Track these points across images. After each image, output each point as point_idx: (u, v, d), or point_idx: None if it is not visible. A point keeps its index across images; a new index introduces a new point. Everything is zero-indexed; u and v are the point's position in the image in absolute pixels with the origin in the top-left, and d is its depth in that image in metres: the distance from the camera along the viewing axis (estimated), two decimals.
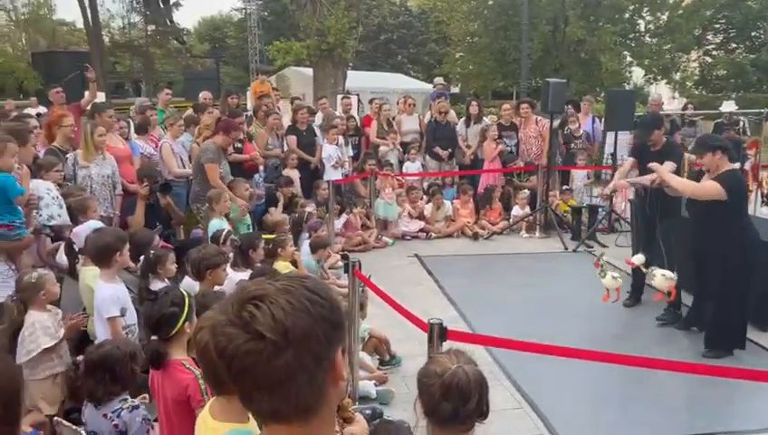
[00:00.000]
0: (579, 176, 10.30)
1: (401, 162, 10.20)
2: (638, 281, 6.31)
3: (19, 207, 4.27)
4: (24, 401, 0.82)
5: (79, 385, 3.30)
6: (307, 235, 7.11)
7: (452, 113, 10.78)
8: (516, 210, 9.73)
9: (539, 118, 9.90)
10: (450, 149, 10.19)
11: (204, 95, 10.03)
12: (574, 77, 20.78)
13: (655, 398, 4.51)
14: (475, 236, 9.34)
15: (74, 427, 3.17)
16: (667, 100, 20.68)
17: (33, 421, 3.35)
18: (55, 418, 3.39)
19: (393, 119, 10.81)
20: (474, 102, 10.64)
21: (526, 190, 9.81)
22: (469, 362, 1.99)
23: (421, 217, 9.60)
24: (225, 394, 1.86)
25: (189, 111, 9.29)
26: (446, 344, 3.09)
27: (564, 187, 10.17)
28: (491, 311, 6.28)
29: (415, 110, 11.11)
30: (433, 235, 9.40)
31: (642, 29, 22.45)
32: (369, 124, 10.58)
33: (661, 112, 10.29)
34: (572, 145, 10.30)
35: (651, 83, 25.31)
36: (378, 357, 5.18)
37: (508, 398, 4.55)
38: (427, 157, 10.42)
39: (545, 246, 8.95)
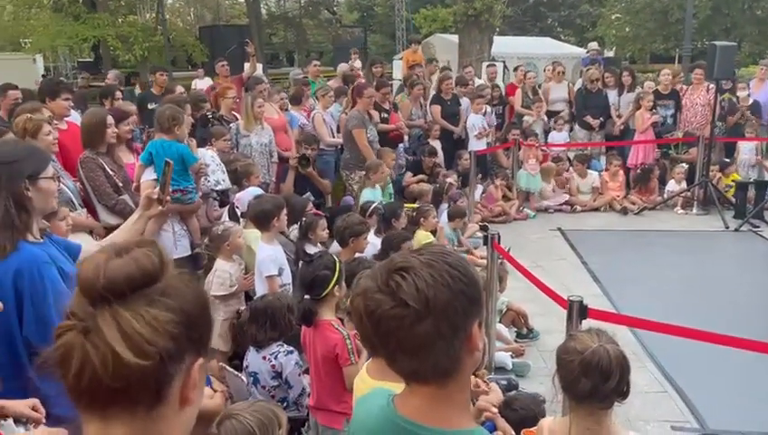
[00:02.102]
0: (745, 149, 9.38)
1: (546, 132, 9.91)
2: None
3: (191, 174, 4.76)
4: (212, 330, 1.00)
5: (243, 330, 3.71)
6: (447, 205, 7.20)
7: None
8: (671, 185, 9.10)
9: (710, 85, 9.07)
10: (602, 119, 9.72)
11: (343, 67, 10.32)
12: (748, 38, 18.78)
13: None
14: (624, 211, 8.89)
15: (236, 373, 3.57)
16: None
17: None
18: (220, 364, 3.82)
19: (539, 87, 10.49)
20: (626, 72, 10.04)
21: (684, 164, 9.13)
22: (611, 341, 1.98)
23: (566, 189, 9.30)
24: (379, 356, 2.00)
25: (332, 81, 9.65)
26: (586, 323, 3.06)
27: (725, 159, 9.33)
28: (637, 290, 6.01)
29: (564, 77, 10.69)
30: (578, 208, 9.09)
31: None
32: (514, 93, 10.36)
33: None
34: (739, 115, 9.40)
35: None
36: (515, 330, 5.20)
37: (651, 380, 4.40)
38: (576, 126, 10.03)
39: (703, 224, 8.32)
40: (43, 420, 1.97)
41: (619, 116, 9.67)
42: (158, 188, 2.65)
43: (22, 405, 1.98)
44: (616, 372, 1.89)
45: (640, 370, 4.50)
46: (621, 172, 9.21)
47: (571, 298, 3.04)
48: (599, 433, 1.96)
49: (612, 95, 9.83)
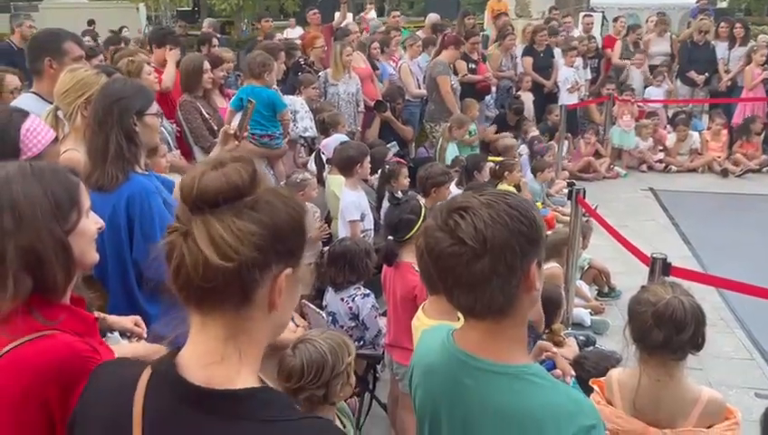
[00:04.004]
0: None
1: (645, 87, 9.42)
2: None
3: (280, 120, 4.91)
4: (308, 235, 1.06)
5: (323, 271, 3.87)
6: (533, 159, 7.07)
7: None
8: None
9: None
10: (707, 74, 9.13)
11: (432, 17, 10.11)
12: None
13: None
14: (725, 173, 8.39)
15: (317, 310, 3.75)
16: None
17: None
18: (303, 301, 4.02)
19: (640, 39, 9.94)
20: (738, 24, 9.30)
21: None
22: (685, 293, 1.94)
23: (662, 148, 8.86)
24: (437, 294, 2.09)
25: (421, 31, 9.51)
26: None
27: None
28: (732, 256, 5.69)
29: (668, 29, 10.05)
30: (674, 168, 8.65)
31: None
32: (612, 45, 9.86)
33: None
34: None
35: None
36: (596, 288, 5.13)
37: (739, 347, 4.24)
38: (678, 81, 9.47)
39: None
40: (144, 336, 2.18)
41: (728, 71, 9.04)
42: (235, 124, 2.77)
43: (126, 320, 2.19)
44: (691, 323, 1.85)
45: (728, 335, 4.37)
46: (725, 132, 8.66)
47: (654, 255, 2.97)
48: (668, 385, 1.94)
49: (722, 49, 9.17)
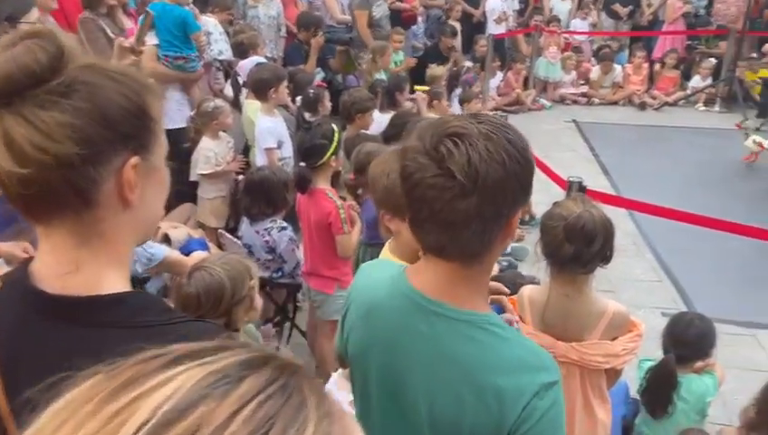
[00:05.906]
0: None
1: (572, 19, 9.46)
2: None
3: (194, 42, 4.60)
4: (160, 117, 0.89)
5: (237, 199, 3.71)
6: (460, 89, 6.99)
7: None
8: (696, 81, 8.75)
9: None
10: (631, 7, 9.22)
11: None
12: None
13: None
14: (643, 106, 8.62)
15: (234, 239, 3.62)
16: None
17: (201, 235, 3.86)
18: (219, 230, 3.87)
19: None
20: None
21: (712, 59, 8.72)
22: (596, 207, 1.93)
23: (584, 81, 8.99)
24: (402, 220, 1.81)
25: None
26: None
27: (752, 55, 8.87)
28: (647, 185, 5.89)
29: None
30: (596, 101, 8.82)
31: None
32: None
33: None
34: None
35: None
36: None
37: (648, 269, 4.43)
38: (603, 14, 9.54)
39: (724, 122, 8.05)
40: None
41: (650, 5, 9.16)
42: (132, 38, 2.52)
43: (14, 247, 2.02)
44: (600, 235, 1.85)
45: (639, 259, 4.54)
46: (645, 65, 8.85)
47: (570, 178, 2.99)
48: (576, 299, 1.96)
49: None
